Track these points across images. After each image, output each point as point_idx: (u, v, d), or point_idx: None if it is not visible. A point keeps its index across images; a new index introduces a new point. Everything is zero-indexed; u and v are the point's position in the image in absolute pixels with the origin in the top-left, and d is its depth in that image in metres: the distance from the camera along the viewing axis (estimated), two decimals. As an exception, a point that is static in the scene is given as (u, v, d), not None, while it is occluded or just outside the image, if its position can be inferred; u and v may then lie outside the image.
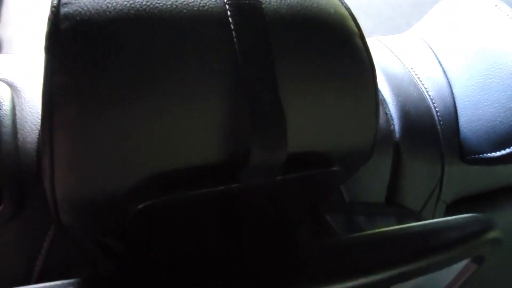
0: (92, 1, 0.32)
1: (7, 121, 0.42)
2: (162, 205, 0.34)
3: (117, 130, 0.31)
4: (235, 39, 0.33)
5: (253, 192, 0.36)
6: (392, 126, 0.54)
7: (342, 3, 0.39)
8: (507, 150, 0.53)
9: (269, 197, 0.38)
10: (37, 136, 0.42)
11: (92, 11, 0.31)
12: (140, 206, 0.33)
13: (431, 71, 0.59)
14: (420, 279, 0.48)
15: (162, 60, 0.32)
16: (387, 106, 0.55)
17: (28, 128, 0.43)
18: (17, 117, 0.43)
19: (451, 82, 0.58)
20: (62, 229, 0.39)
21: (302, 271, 0.36)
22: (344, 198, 0.53)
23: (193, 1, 0.33)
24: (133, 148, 0.32)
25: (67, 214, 0.34)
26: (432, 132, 0.56)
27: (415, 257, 0.37)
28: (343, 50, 0.37)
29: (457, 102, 0.57)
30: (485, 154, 0.55)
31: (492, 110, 0.53)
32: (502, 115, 0.52)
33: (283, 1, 0.35)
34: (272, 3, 0.35)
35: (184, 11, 0.33)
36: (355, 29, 0.38)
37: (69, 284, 0.32)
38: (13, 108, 0.43)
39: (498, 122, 0.53)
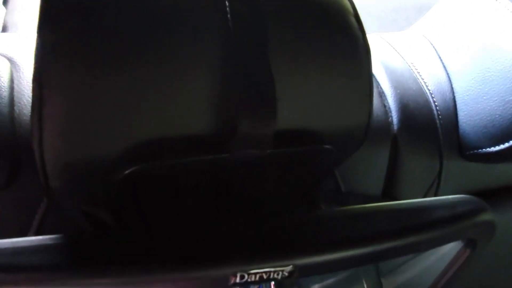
0: None
1: (4, 93, 0.43)
2: (150, 171, 0.34)
3: (107, 93, 0.31)
4: (227, 9, 0.33)
5: (243, 164, 0.36)
6: (390, 118, 0.54)
7: None
8: (506, 145, 0.53)
9: (259, 171, 0.38)
10: None
11: None
12: (127, 172, 0.33)
13: (431, 66, 0.59)
14: (416, 269, 0.48)
15: (153, 27, 0.32)
16: (386, 98, 0.55)
17: (25, 101, 0.43)
18: (14, 90, 0.43)
19: (451, 77, 0.58)
20: (52, 197, 0.39)
21: (288, 239, 0.35)
22: (341, 188, 0.53)
23: None
24: (122, 113, 0.32)
25: (55, 180, 0.34)
26: (431, 126, 0.56)
27: (403, 232, 0.37)
28: (337, 27, 0.37)
29: (456, 97, 0.57)
30: (483, 149, 0.54)
31: (491, 103, 0.53)
32: (501, 108, 0.52)
33: None
34: None
35: None
36: (350, 8, 0.38)
37: (50, 239, 0.32)
38: (11, 81, 0.44)
39: (497, 116, 0.52)
